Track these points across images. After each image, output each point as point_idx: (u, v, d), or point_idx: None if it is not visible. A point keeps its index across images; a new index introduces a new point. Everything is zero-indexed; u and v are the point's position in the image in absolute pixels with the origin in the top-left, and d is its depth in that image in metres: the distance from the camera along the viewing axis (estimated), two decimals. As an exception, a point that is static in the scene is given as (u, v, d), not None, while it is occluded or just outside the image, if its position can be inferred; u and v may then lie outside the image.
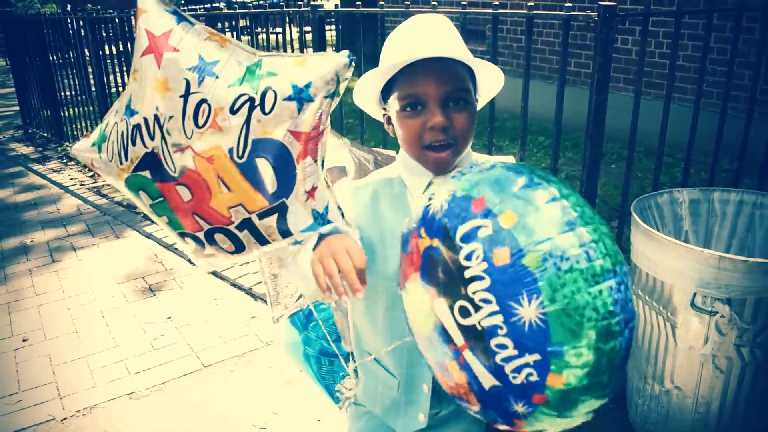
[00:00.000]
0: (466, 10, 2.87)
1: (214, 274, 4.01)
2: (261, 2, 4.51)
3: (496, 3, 2.90)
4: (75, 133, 7.14)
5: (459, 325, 0.90)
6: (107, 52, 6.19)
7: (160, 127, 1.22)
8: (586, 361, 0.81)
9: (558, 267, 0.81)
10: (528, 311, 0.81)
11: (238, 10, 4.64)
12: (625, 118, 2.86)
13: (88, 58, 6.50)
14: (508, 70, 6.93)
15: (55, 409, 2.88)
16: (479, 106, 1.33)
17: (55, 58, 7.24)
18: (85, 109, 6.81)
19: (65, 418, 2.81)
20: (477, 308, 0.86)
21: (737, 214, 2.55)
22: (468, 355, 0.90)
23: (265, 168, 1.18)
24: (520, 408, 0.86)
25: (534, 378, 0.83)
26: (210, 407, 2.85)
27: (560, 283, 0.81)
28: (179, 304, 3.78)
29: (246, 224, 1.24)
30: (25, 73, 7.94)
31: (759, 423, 2.28)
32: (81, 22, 6.38)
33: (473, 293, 0.86)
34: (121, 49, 5.94)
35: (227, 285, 3.95)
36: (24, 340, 3.46)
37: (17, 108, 8.88)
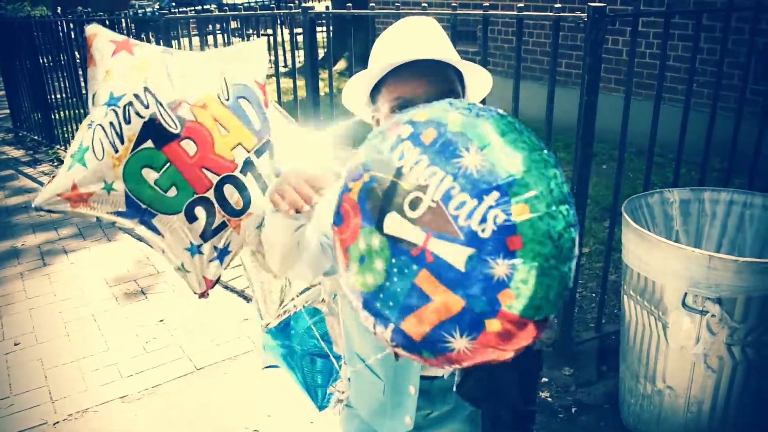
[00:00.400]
0: (457, 12, 2.87)
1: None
2: (252, 4, 4.50)
3: (487, 4, 2.91)
4: (66, 135, 7.10)
5: (415, 221, 0.92)
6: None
7: (152, 94, 1.38)
8: (539, 189, 0.87)
9: (480, 117, 0.93)
10: (471, 158, 0.89)
11: (229, 12, 4.63)
12: (615, 119, 2.87)
13: (78, 60, 6.48)
14: (499, 71, 6.95)
15: (48, 413, 2.86)
16: (468, 108, 1.33)
17: (45, 60, 7.20)
18: (76, 111, 6.77)
19: (57, 422, 2.80)
20: (425, 189, 0.90)
21: (727, 214, 2.56)
22: (433, 243, 0.90)
23: (248, 107, 1.46)
24: (501, 268, 0.86)
25: (501, 218, 0.86)
26: (203, 410, 2.85)
27: (487, 129, 0.91)
28: (171, 306, 3.76)
29: (247, 165, 1.44)
30: (15, 76, 7.89)
31: (750, 422, 2.29)
32: (71, 25, 6.36)
33: (417, 178, 0.92)
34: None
35: (219, 287, 3.93)
36: (15, 344, 3.45)
37: (7, 111, 8.83)
